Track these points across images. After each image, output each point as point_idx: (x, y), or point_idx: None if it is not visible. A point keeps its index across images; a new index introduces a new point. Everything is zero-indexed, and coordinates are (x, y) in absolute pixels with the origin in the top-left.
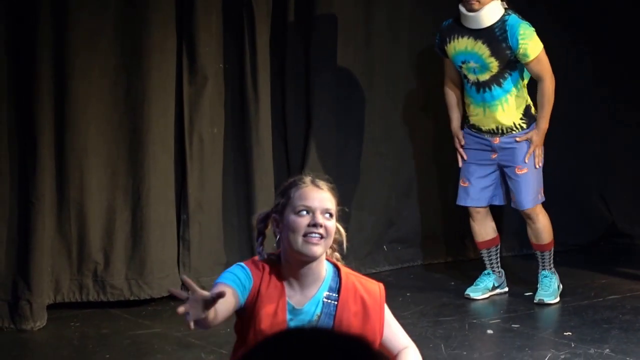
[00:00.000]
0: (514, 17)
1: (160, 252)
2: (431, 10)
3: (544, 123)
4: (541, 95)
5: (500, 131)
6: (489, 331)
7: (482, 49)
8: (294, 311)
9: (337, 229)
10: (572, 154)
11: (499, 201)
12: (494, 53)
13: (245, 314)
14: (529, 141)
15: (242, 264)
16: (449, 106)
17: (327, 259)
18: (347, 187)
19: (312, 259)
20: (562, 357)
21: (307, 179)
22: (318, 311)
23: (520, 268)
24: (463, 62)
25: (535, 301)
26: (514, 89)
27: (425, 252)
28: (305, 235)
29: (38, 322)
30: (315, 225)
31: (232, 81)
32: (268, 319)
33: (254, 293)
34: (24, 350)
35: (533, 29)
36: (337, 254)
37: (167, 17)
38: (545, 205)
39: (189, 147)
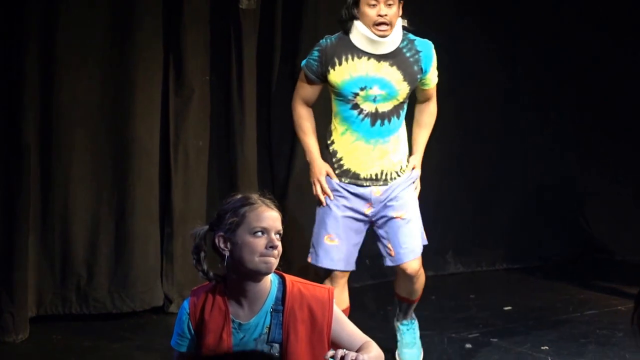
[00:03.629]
0: (419, 38)
1: (143, 265)
2: (424, 19)
3: (424, 147)
4: (430, 114)
5: (383, 177)
6: (468, 345)
7: (392, 73)
8: (241, 327)
9: None
10: (551, 169)
11: (352, 266)
12: (407, 77)
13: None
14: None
15: (185, 306)
16: (307, 131)
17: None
18: None
19: (266, 276)
20: None
21: (256, 198)
22: (267, 323)
23: (500, 282)
24: (362, 89)
25: None
26: (403, 120)
27: None
28: (261, 255)
29: (20, 335)
30: (272, 247)
31: (218, 94)
32: (214, 344)
33: (198, 326)
34: None
35: None
36: None
37: (154, 29)
38: (525, 220)
39: (174, 160)
